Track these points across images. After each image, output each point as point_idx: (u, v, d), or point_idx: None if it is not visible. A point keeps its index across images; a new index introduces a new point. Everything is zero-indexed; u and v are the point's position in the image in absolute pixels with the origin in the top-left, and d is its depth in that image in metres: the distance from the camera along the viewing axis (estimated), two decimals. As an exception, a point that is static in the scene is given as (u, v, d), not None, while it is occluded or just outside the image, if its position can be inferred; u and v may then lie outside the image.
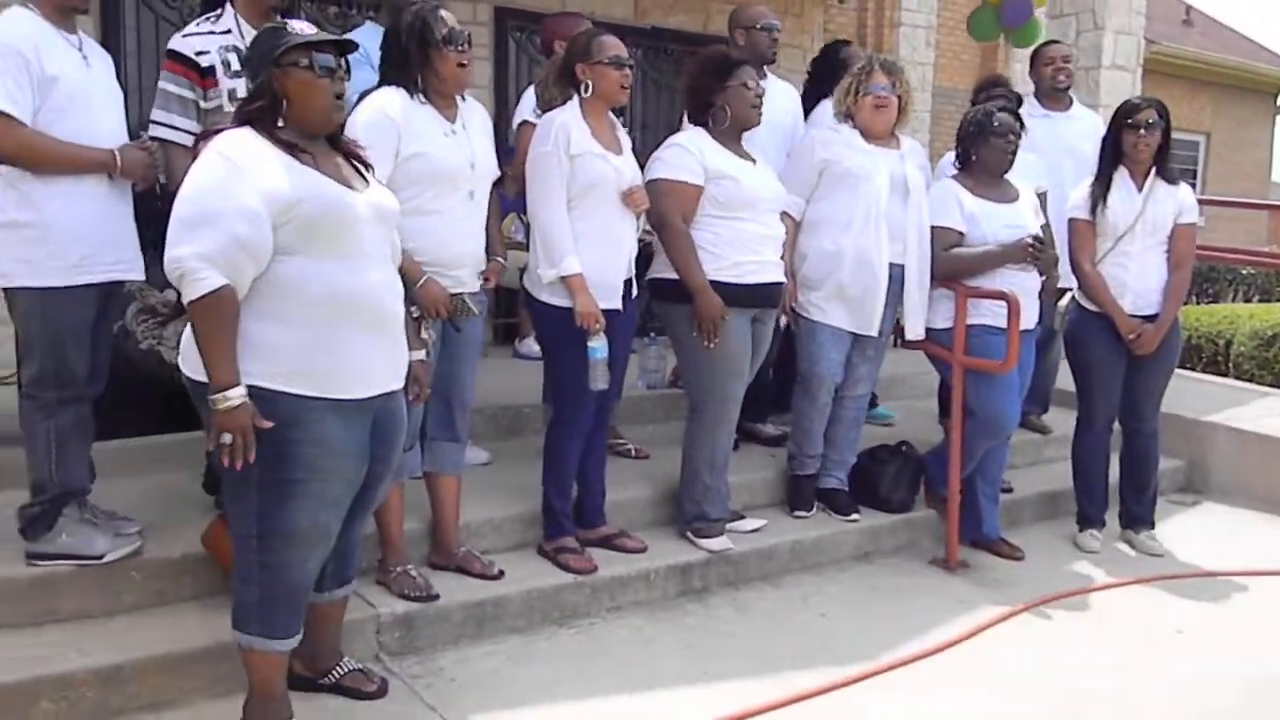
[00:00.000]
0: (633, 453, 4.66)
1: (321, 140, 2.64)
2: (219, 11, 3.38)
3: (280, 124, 2.56)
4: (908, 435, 4.84)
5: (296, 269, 2.49)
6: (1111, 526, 4.74)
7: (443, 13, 3.22)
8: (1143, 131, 4.35)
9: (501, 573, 3.59)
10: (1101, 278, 4.42)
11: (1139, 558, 4.60)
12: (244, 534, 2.60)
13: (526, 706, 3.07)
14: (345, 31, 3.15)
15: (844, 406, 4.43)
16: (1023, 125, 4.35)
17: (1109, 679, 3.48)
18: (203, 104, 3.30)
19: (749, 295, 3.84)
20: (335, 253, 2.53)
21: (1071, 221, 4.48)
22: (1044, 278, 4.33)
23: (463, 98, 3.37)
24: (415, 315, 3.14)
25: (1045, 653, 3.67)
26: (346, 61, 2.66)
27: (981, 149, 4.28)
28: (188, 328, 2.56)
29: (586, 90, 3.59)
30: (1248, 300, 11.85)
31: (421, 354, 3.00)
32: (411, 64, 3.22)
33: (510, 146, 4.72)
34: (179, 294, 2.50)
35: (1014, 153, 4.29)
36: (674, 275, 3.81)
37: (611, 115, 3.72)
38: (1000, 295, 4.14)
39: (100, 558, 3.13)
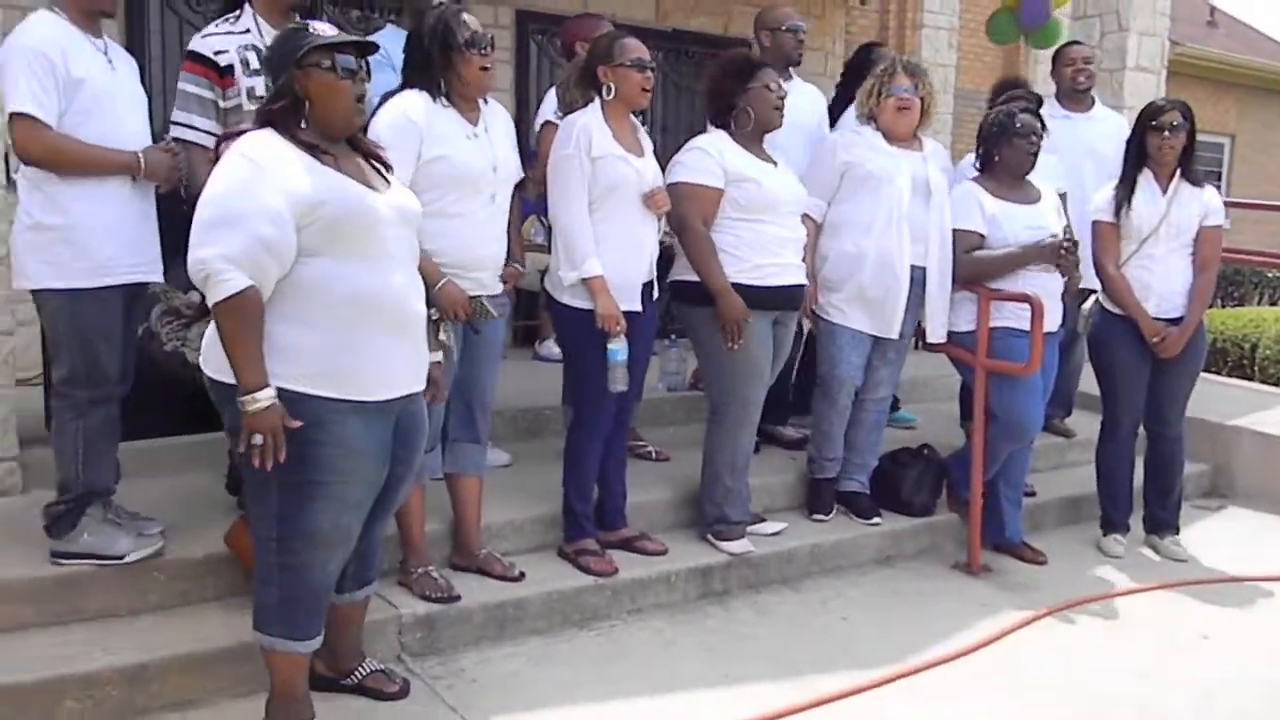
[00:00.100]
0: (653, 455, 4.66)
1: (342, 142, 2.65)
2: (237, 12, 3.41)
3: (302, 125, 2.57)
4: (929, 439, 4.82)
5: (320, 270, 2.49)
6: (1135, 531, 4.71)
7: (465, 16, 3.23)
8: (1167, 134, 4.33)
9: (522, 574, 3.59)
10: (1125, 280, 4.39)
11: (1163, 563, 4.57)
12: (265, 536, 2.61)
13: (547, 708, 3.08)
14: (367, 35, 3.15)
15: (865, 409, 4.42)
16: (1044, 126, 4.33)
17: (1133, 684, 3.45)
18: (221, 103, 3.32)
19: (770, 297, 3.83)
20: (358, 254, 2.54)
21: (1095, 224, 4.45)
22: (1066, 279, 4.30)
23: (485, 101, 3.38)
24: (434, 317, 3.15)
25: (1068, 658, 3.64)
26: (367, 63, 2.66)
27: (1004, 150, 4.26)
28: (209, 329, 2.58)
29: (608, 92, 3.59)
30: (1273, 303, 11.75)
31: (438, 356, 3.00)
32: (434, 67, 3.23)
33: (532, 149, 4.73)
34: (203, 296, 2.52)
35: (1036, 154, 4.27)
36: (695, 277, 3.81)
37: (633, 117, 3.72)
38: (1024, 298, 4.11)
39: (122, 558, 3.15)
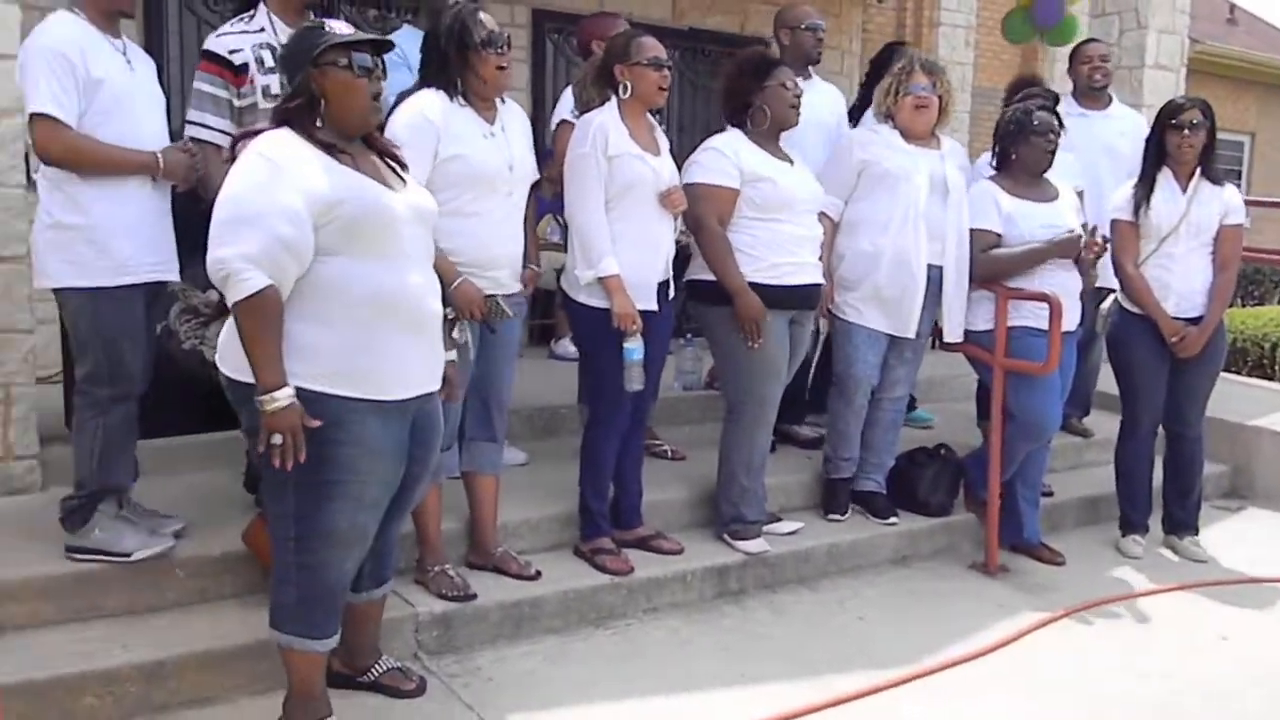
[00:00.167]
0: (669, 454, 4.65)
1: (358, 140, 2.65)
2: (252, 11, 3.42)
3: (318, 124, 2.57)
4: (946, 438, 4.80)
5: (339, 270, 2.50)
6: (1154, 532, 4.69)
7: (482, 15, 3.23)
8: (1187, 132, 4.30)
9: (538, 573, 3.60)
10: (1144, 280, 4.36)
11: (1182, 563, 4.54)
12: (282, 535, 2.61)
13: (563, 707, 3.08)
14: (384, 34, 3.16)
15: (882, 409, 4.40)
16: (1061, 124, 4.30)
17: (1152, 686, 3.43)
18: (236, 102, 3.34)
19: (787, 297, 3.82)
20: (376, 253, 2.54)
21: (1114, 223, 4.43)
22: (1083, 277, 4.29)
23: (502, 100, 3.39)
24: (450, 316, 3.15)
25: (1086, 659, 3.63)
26: (383, 61, 2.66)
27: (1021, 148, 4.24)
28: (225, 328, 2.58)
29: (625, 91, 3.59)
30: (1294, 302, 11.64)
31: (452, 355, 3.01)
32: (450, 66, 3.23)
33: (548, 148, 4.73)
34: (221, 295, 2.53)
35: (1053, 152, 4.24)
36: (711, 276, 3.80)
37: (650, 116, 3.72)
38: (1042, 297, 4.09)
39: (129, 555, 3.17)
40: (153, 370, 3.31)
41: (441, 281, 2.89)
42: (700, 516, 4.19)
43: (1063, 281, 4.18)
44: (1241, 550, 4.69)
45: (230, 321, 2.54)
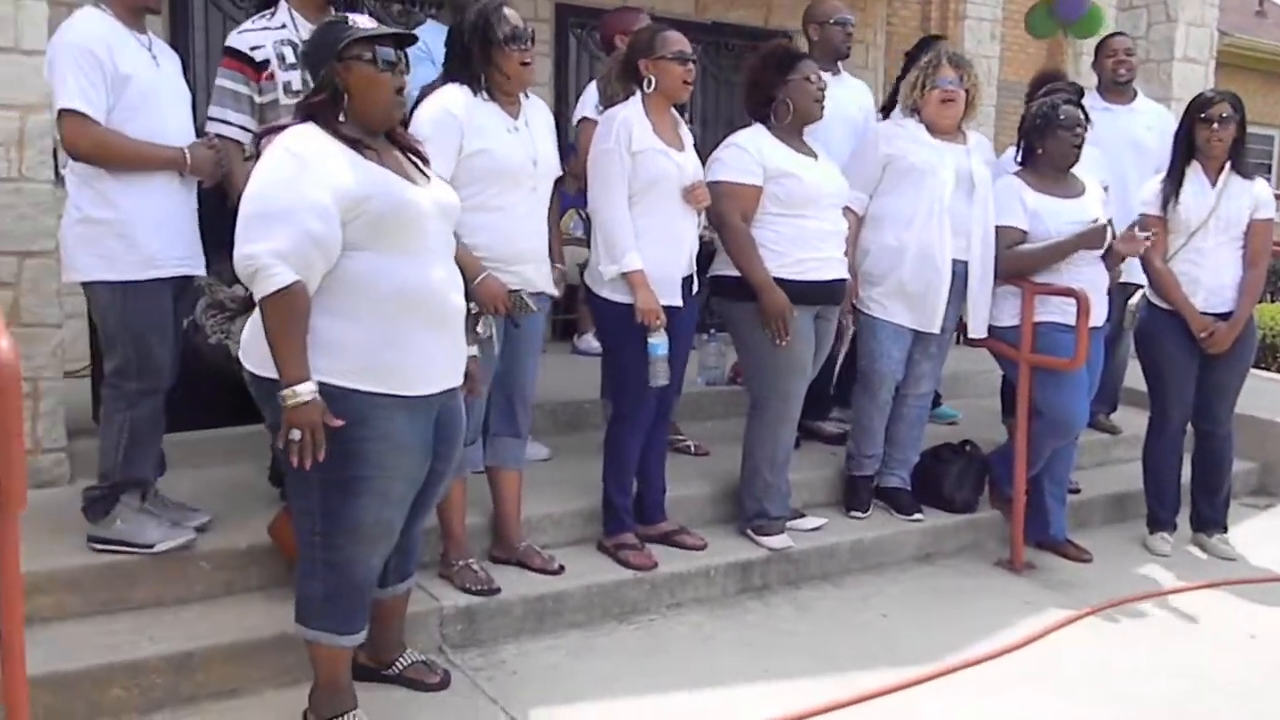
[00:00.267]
0: (692, 449, 4.65)
1: (381, 135, 2.65)
2: (273, 8, 3.44)
3: (342, 119, 2.56)
4: (971, 435, 4.78)
5: (365, 265, 2.49)
6: (1182, 529, 4.64)
7: (506, 11, 3.23)
8: (1216, 126, 4.26)
9: (562, 568, 3.60)
10: (1173, 275, 4.32)
11: (1210, 561, 4.50)
12: (308, 531, 2.62)
13: (586, 701, 3.08)
14: (408, 30, 3.18)
15: (907, 405, 4.38)
16: (1088, 118, 4.26)
17: (1179, 684, 3.40)
18: (258, 98, 3.36)
19: (811, 292, 3.81)
20: (401, 249, 2.54)
21: (1142, 217, 4.38)
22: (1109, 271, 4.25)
23: (525, 95, 3.38)
24: (474, 311, 3.15)
25: (1113, 657, 3.60)
26: (406, 56, 2.66)
27: (1047, 142, 4.20)
28: (249, 323, 2.59)
29: (649, 86, 3.58)
30: (1325, 298, 11.50)
31: (474, 350, 3.01)
32: (474, 62, 3.23)
33: (571, 144, 4.73)
34: (247, 289, 2.53)
35: (1080, 146, 4.21)
36: (736, 272, 3.79)
37: (674, 111, 3.71)
38: (1069, 292, 4.06)
39: (151, 546, 3.19)
40: (180, 365, 3.34)
41: (465, 276, 2.89)
42: (723, 512, 4.18)
43: (1090, 276, 4.15)
44: (1270, 548, 4.64)
45: (254, 317, 2.55)
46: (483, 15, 3.22)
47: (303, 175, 2.43)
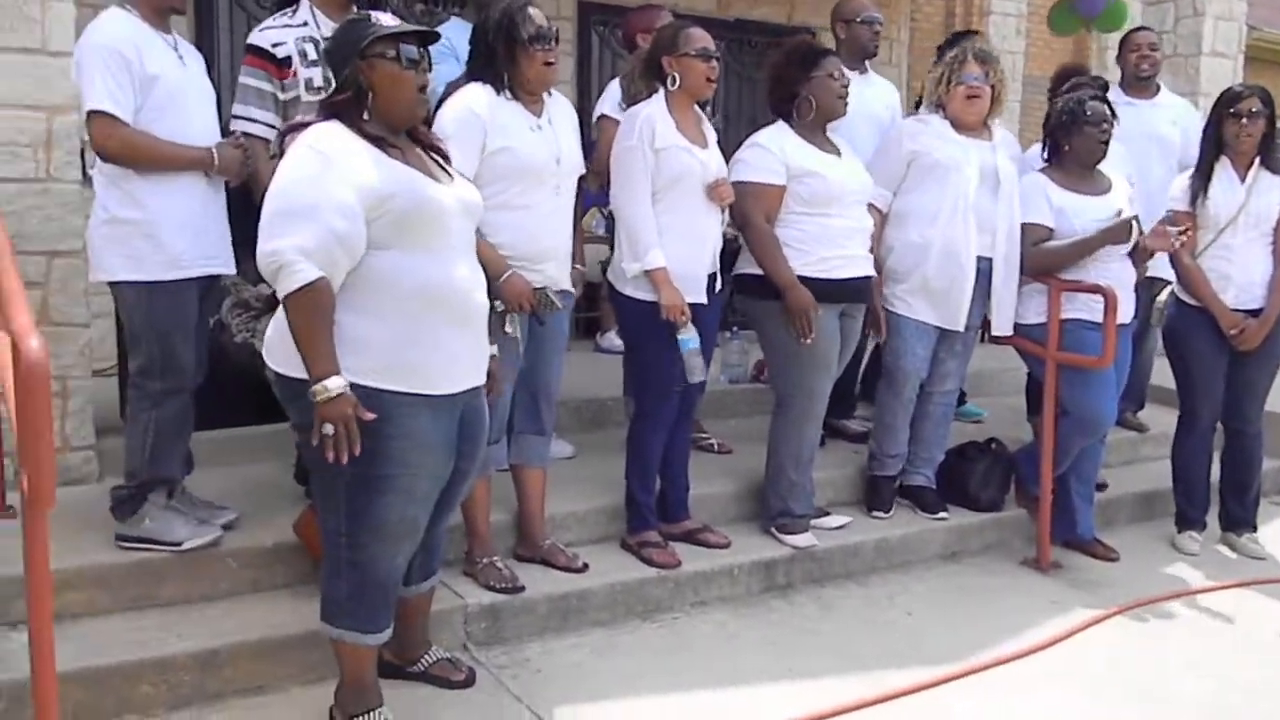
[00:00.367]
0: (715, 447, 4.64)
1: (403, 134, 2.64)
2: (295, 6, 3.45)
3: (365, 117, 2.56)
4: (997, 433, 4.74)
5: (390, 263, 2.49)
6: (1211, 528, 4.60)
7: (531, 10, 3.22)
8: (1245, 121, 4.22)
9: (586, 566, 3.60)
10: (1202, 271, 4.28)
11: (1240, 560, 4.46)
12: (333, 530, 2.62)
13: (610, 699, 3.08)
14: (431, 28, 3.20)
15: (932, 403, 4.35)
16: (1114, 113, 4.22)
17: (1207, 684, 3.37)
18: (281, 95, 3.38)
19: (836, 290, 3.79)
20: (425, 246, 2.54)
21: (1172, 213, 4.34)
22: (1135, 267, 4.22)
23: (549, 93, 3.38)
24: (499, 309, 3.16)
25: (1141, 656, 3.57)
26: (429, 53, 2.66)
27: (1074, 139, 4.17)
28: (272, 323, 2.59)
29: (672, 83, 3.58)
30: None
31: (493, 349, 3.01)
32: (498, 61, 3.23)
33: (592, 141, 4.73)
34: (271, 288, 2.54)
35: (1107, 142, 4.17)
36: (760, 270, 3.78)
37: (697, 109, 3.70)
38: (1096, 289, 4.02)
39: (179, 544, 3.21)
40: (207, 363, 3.36)
41: (489, 274, 2.89)
42: (747, 510, 4.17)
43: (1117, 273, 4.11)
44: (1301, 547, 4.60)
45: (277, 316, 2.56)
46: (508, 15, 3.22)
47: (327, 172, 2.43)
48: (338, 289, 2.46)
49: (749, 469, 4.23)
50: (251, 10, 5.77)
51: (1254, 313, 4.25)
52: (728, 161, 3.79)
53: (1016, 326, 4.23)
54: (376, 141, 2.54)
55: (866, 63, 4.81)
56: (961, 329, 4.21)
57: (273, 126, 3.39)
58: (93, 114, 3.06)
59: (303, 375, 2.47)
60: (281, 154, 2.63)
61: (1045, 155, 4.33)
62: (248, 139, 3.34)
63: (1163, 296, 4.53)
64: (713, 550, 3.84)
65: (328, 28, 3.28)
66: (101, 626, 3.03)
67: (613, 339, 5.72)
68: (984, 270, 4.17)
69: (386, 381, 2.50)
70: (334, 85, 2.62)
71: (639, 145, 3.50)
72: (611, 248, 4.04)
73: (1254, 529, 4.56)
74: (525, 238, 3.24)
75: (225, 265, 3.29)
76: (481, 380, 2.75)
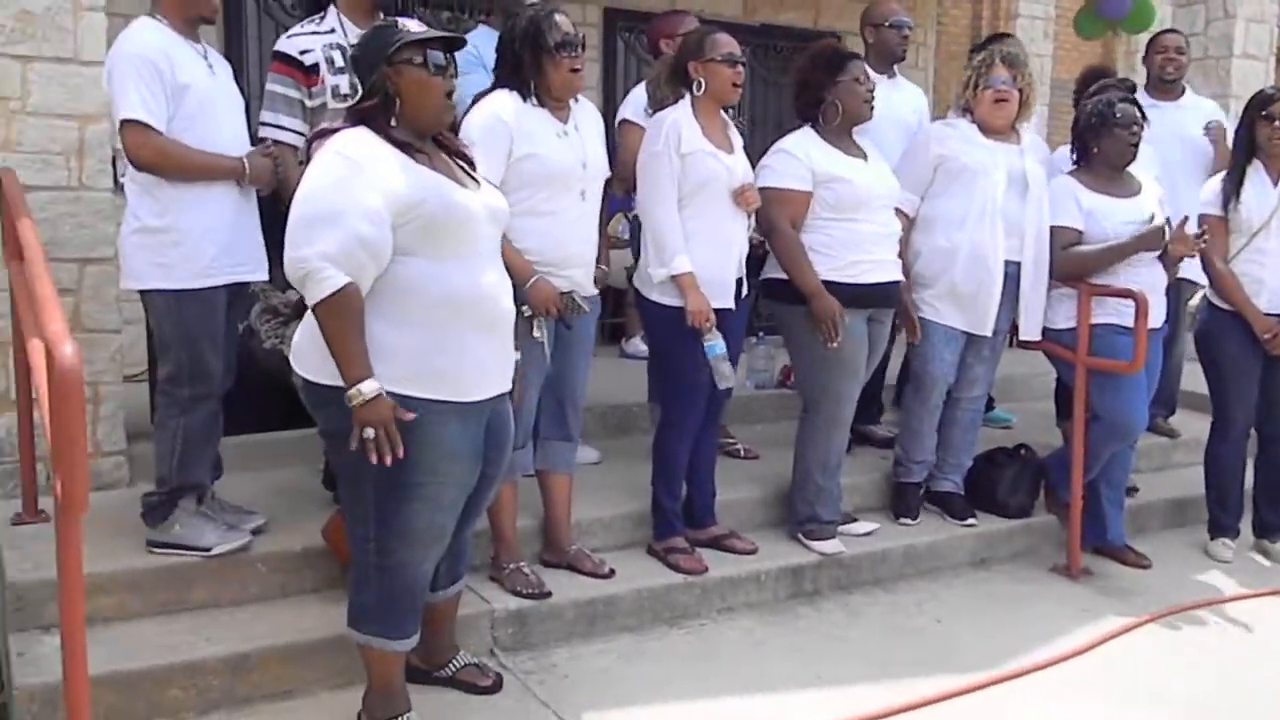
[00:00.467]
0: (741, 453, 4.63)
1: (429, 139, 2.65)
2: (322, 13, 3.47)
3: (393, 123, 2.56)
4: (1026, 438, 4.71)
5: (416, 270, 2.49)
6: (1244, 535, 4.54)
7: (557, 18, 3.23)
8: (1278, 123, 4.17)
9: (612, 571, 3.59)
10: (1235, 276, 4.24)
11: (1274, 568, 4.41)
12: (361, 537, 2.63)
13: (637, 705, 3.07)
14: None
15: (960, 408, 4.33)
16: (1144, 115, 4.19)
17: (1240, 693, 3.34)
18: (308, 102, 3.40)
19: (864, 294, 3.78)
20: (452, 253, 2.54)
21: (1202, 217, 4.30)
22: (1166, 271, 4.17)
23: (575, 99, 3.39)
24: (527, 314, 3.16)
25: (1173, 665, 3.53)
26: (455, 59, 2.66)
27: (1104, 141, 4.13)
28: (299, 330, 2.60)
29: (698, 88, 3.57)
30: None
31: (517, 355, 3.01)
32: (524, 68, 3.24)
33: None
34: (300, 295, 2.55)
35: (1137, 144, 4.14)
36: (786, 275, 3.77)
37: (723, 114, 3.69)
38: (1127, 293, 3.99)
39: (208, 549, 3.23)
40: (236, 369, 3.38)
41: (515, 280, 2.90)
42: (773, 516, 4.16)
43: (1148, 277, 4.07)
44: (1336, 555, 4.53)
45: (304, 323, 2.57)
46: (534, 23, 3.22)
47: (354, 178, 2.44)
48: (365, 295, 2.47)
49: (775, 474, 4.22)
50: (279, 18, 5.81)
51: (1288, 317, 4.20)
52: (754, 166, 3.78)
53: (1046, 331, 4.19)
54: (404, 147, 2.54)
55: (895, 67, 4.80)
56: (989, 334, 4.19)
57: (300, 133, 3.41)
58: (126, 123, 3.08)
59: (330, 382, 2.49)
60: (309, 160, 2.64)
61: (1074, 158, 4.29)
62: (277, 146, 3.37)
63: (1195, 301, 4.48)
64: (739, 556, 3.83)
65: (354, 35, 3.30)
66: (132, 630, 3.05)
67: (638, 344, 5.72)
68: (1012, 275, 4.14)
69: (414, 389, 2.50)
70: (361, 92, 2.63)
71: (665, 151, 3.50)
72: (635, 253, 4.04)
73: (1289, 536, 4.51)
74: (551, 243, 3.25)
75: (255, 271, 3.31)
76: (508, 386, 2.75)
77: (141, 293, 3.26)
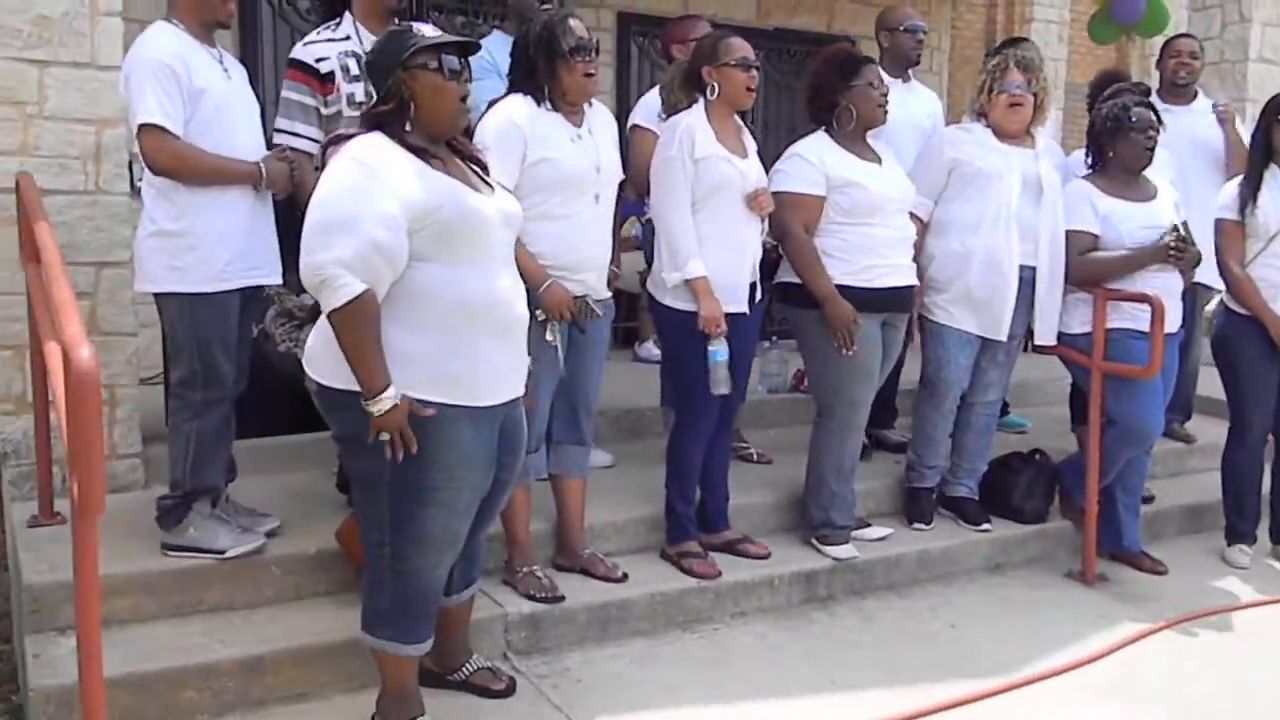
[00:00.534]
0: (755, 457, 4.62)
1: (443, 144, 2.65)
2: (338, 20, 3.48)
3: (408, 128, 2.56)
4: (1041, 443, 4.69)
5: (431, 276, 2.49)
6: (1261, 542, 4.51)
7: (571, 23, 3.23)
8: (1294, 127, 4.15)
9: (625, 575, 3.59)
10: (1251, 281, 4.21)
11: (1291, 574, 4.38)
12: (375, 542, 2.63)
13: (651, 709, 3.07)
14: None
15: (974, 413, 4.31)
16: (1160, 118, 4.17)
17: (1258, 700, 3.31)
18: (323, 110, 3.40)
19: (879, 299, 3.77)
20: (467, 258, 2.54)
21: (1219, 221, 4.28)
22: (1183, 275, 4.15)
23: (590, 103, 3.39)
24: (540, 319, 3.16)
25: (1189, 672, 3.51)
26: (469, 64, 2.67)
27: (1119, 145, 4.12)
28: (313, 335, 2.60)
29: (712, 93, 3.57)
30: None
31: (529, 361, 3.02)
32: (538, 73, 3.24)
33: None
34: (314, 298, 2.55)
35: (1153, 148, 4.12)
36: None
37: (737, 118, 3.69)
38: (1143, 298, 3.97)
39: (223, 552, 3.24)
40: (249, 372, 3.39)
41: (529, 284, 2.90)
42: (787, 521, 4.15)
43: (1164, 282, 4.05)
44: (1355, 561, 4.50)
45: (318, 327, 2.57)
46: (548, 27, 3.23)
47: (369, 184, 2.43)
48: (381, 301, 2.47)
49: (789, 479, 4.21)
50: (294, 23, 5.84)
51: (1305, 322, 4.17)
52: (768, 171, 3.77)
53: (1061, 336, 4.18)
54: (419, 153, 2.54)
55: (909, 71, 4.79)
56: (1004, 338, 4.17)
57: (316, 140, 3.42)
58: (144, 127, 3.10)
59: (344, 386, 2.49)
60: (324, 166, 2.64)
61: (1089, 162, 4.28)
62: (293, 151, 3.38)
63: (1211, 305, 4.45)
64: (753, 561, 3.82)
65: (370, 42, 3.30)
66: (147, 632, 3.06)
67: (651, 349, 5.72)
68: (1027, 279, 4.12)
69: (430, 394, 2.50)
70: (375, 97, 2.63)
71: (679, 155, 3.50)
72: (647, 257, 4.04)
73: (1306, 543, 4.48)
74: (565, 247, 3.25)
75: (269, 275, 3.32)
76: (521, 391, 2.75)
77: (156, 296, 3.27)
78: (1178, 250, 3.99)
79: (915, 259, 4.02)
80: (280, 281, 3.30)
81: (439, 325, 2.51)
